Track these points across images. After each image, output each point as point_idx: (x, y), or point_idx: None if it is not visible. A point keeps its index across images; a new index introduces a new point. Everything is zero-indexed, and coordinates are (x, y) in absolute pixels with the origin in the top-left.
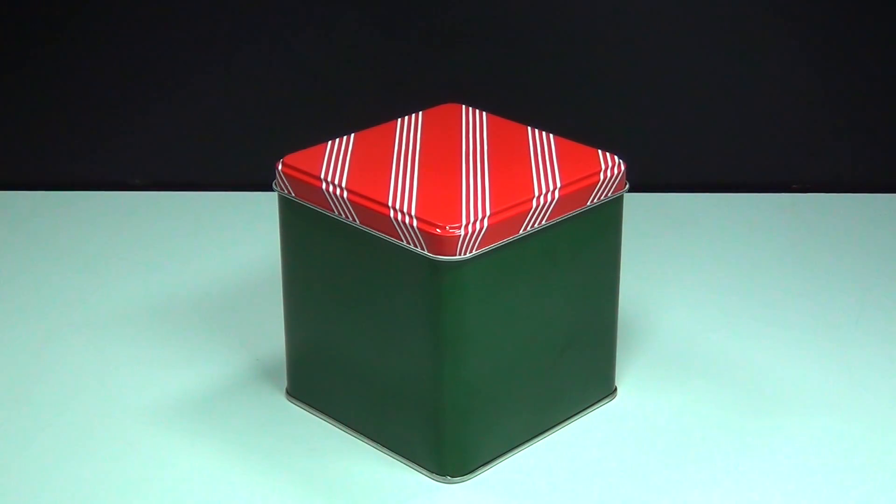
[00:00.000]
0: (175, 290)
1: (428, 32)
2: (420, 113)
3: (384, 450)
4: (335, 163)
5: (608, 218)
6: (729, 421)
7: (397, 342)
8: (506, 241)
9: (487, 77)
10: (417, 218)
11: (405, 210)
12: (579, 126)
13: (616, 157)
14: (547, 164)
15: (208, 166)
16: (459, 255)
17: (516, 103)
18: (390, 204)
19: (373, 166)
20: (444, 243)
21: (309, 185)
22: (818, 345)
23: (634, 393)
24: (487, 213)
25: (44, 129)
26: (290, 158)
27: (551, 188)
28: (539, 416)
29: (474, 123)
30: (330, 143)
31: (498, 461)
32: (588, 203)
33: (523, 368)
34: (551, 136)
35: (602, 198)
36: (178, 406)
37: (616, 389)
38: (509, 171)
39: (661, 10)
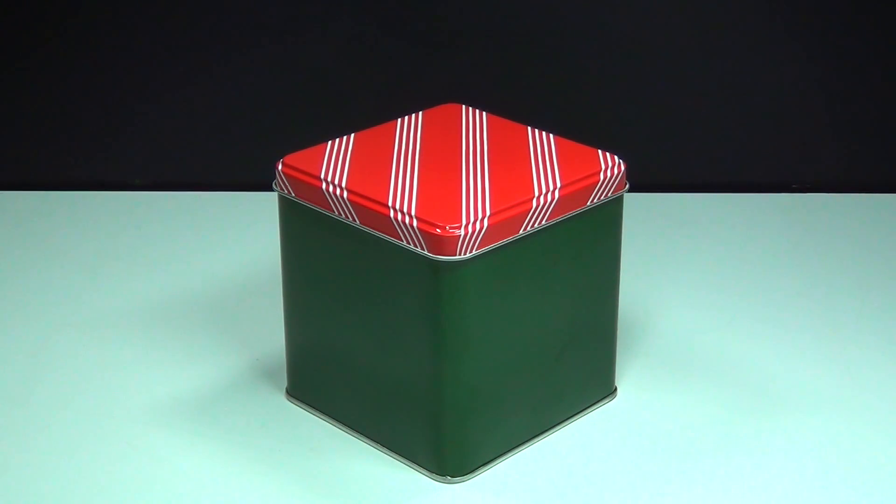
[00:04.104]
0: (175, 290)
1: (428, 32)
2: (420, 113)
3: (384, 450)
4: (335, 163)
5: (608, 218)
6: (729, 421)
7: (397, 342)
8: (506, 241)
9: (487, 77)
10: (417, 218)
11: (405, 210)
12: (579, 126)
13: (616, 157)
14: (547, 164)
15: (208, 166)
16: (459, 255)
17: (516, 103)
18: (390, 204)
19: (373, 166)
20: (444, 243)
21: (309, 185)
22: (818, 345)
23: (634, 393)
24: (487, 213)
25: (44, 129)
26: (290, 158)
27: (551, 188)
28: (539, 416)
29: (474, 123)
30: (330, 143)
31: (498, 461)
32: (588, 203)
33: (523, 368)
34: (551, 136)
35: (602, 198)
36: (178, 406)
37: (616, 389)
38: (509, 171)
39: (660, 10)
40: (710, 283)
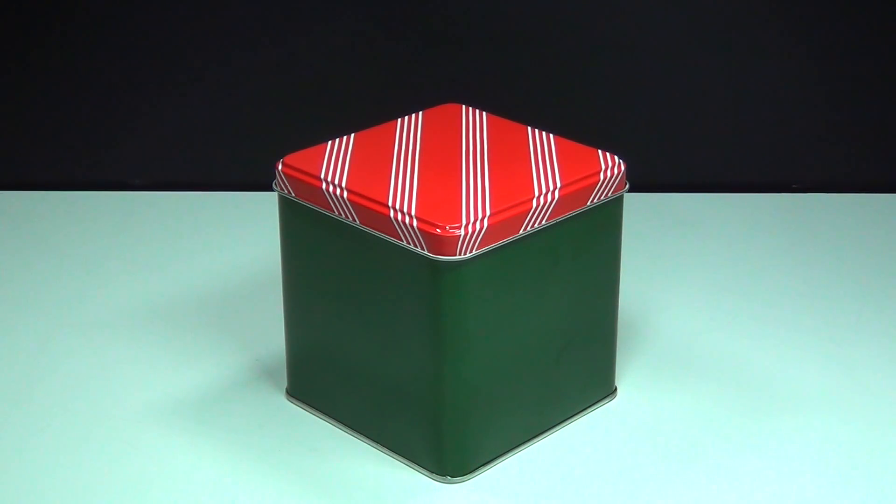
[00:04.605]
0: (175, 291)
1: (428, 32)
2: (420, 113)
3: (384, 450)
4: (335, 163)
5: (608, 218)
6: (729, 421)
7: (397, 342)
8: (506, 241)
9: (487, 77)
10: (417, 218)
11: (405, 210)
12: (579, 126)
13: (616, 157)
14: (547, 164)
15: (208, 166)
16: (459, 255)
17: (516, 103)
18: (390, 204)
19: (373, 166)
20: (444, 243)
21: (309, 185)
22: (818, 345)
23: (634, 393)
24: (487, 213)
25: (44, 129)
26: (290, 158)
27: (551, 188)
28: (539, 416)
29: (474, 123)
30: (330, 143)
31: (498, 461)
32: (588, 203)
33: (523, 368)
34: (551, 136)
35: (602, 198)
36: (178, 406)
37: (616, 389)
38: (509, 171)
39: (660, 10)
40: (710, 283)
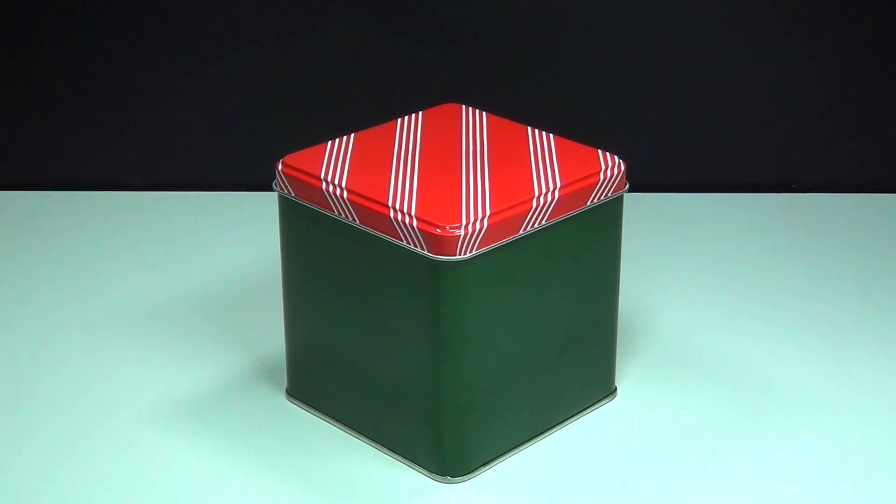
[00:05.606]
0: (175, 290)
1: (428, 32)
2: (420, 113)
3: (384, 450)
4: (335, 163)
5: (608, 218)
6: (728, 421)
7: (397, 342)
8: (506, 241)
9: (487, 77)
10: (417, 218)
11: (405, 210)
12: (579, 126)
13: (616, 157)
14: (547, 164)
15: (208, 166)
16: (459, 255)
17: (516, 103)
18: (390, 204)
19: (373, 166)
20: (444, 243)
21: (309, 185)
22: (818, 345)
23: (634, 393)
24: (487, 213)
25: (44, 129)
26: (290, 158)
27: (551, 188)
28: (539, 416)
29: (474, 123)
30: (330, 143)
31: (498, 461)
32: (588, 203)
33: (523, 368)
34: (551, 136)
35: (602, 198)
36: (178, 406)
37: (616, 389)
38: (509, 171)
39: (661, 9)
40: (710, 283)
